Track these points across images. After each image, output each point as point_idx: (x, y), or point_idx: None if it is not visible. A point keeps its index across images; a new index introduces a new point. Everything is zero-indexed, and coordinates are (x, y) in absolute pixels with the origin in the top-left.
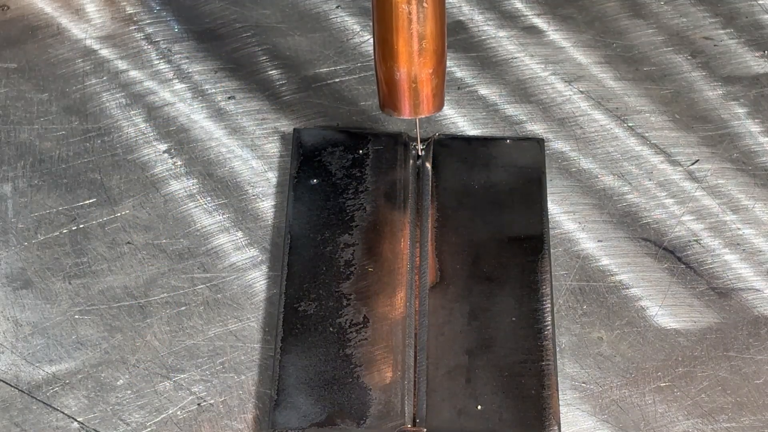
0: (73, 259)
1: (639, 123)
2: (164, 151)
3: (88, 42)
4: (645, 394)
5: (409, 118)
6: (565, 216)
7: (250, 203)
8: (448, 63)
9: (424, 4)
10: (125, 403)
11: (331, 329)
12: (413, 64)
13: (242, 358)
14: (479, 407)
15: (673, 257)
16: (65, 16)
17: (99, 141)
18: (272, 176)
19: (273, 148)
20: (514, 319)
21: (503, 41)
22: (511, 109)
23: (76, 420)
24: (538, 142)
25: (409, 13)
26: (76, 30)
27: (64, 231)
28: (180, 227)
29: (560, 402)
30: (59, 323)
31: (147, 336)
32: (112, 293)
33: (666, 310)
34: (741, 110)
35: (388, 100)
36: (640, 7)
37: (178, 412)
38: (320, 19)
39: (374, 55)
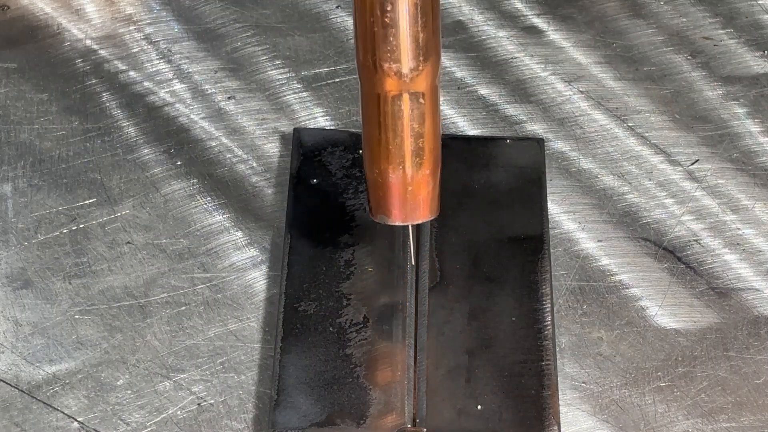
0: (73, 259)
1: (639, 123)
2: (164, 151)
3: (88, 42)
4: (645, 394)
5: (403, 224)
6: (565, 216)
7: (250, 203)
8: (448, 63)
9: (420, 100)
10: (125, 403)
11: (331, 329)
12: (409, 165)
13: (242, 358)
14: (479, 407)
15: (673, 257)
16: (65, 16)
17: (99, 141)
18: (272, 176)
19: (273, 148)
20: (514, 319)
21: (503, 41)
22: (511, 109)
23: (76, 420)
24: (538, 142)
25: (404, 110)
26: (76, 30)
27: (64, 231)
28: (180, 227)
29: (560, 402)
30: (59, 323)
31: (147, 336)
32: (112, 293)
33: (666, 310)
34: (741, 110)
35: (381, 205)
36: (640, 7)
37: (178, 412)
38: (320, 19)
39: (363, 157)
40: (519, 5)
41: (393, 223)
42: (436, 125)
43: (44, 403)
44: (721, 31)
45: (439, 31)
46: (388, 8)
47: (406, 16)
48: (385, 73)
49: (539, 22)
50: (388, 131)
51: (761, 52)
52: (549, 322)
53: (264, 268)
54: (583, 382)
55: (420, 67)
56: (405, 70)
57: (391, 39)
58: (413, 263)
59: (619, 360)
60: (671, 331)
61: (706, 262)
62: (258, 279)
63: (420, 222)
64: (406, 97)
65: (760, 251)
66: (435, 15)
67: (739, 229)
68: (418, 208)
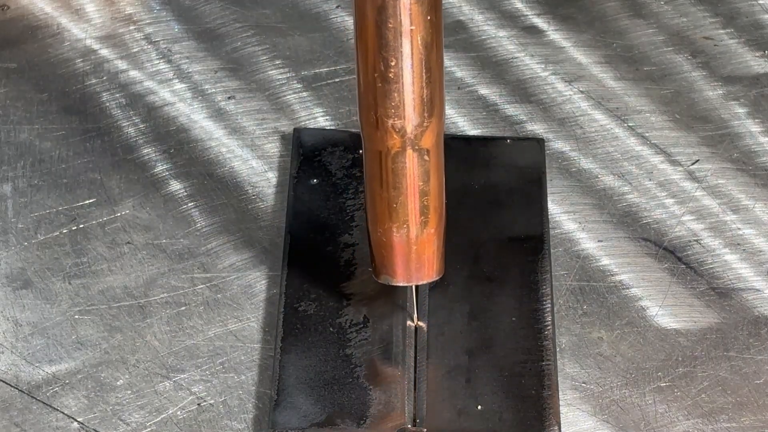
0: (73, 259)
1: (639, 123)
2: (164, 151)
3: (88, 42)
4: (645, 394)
5: (408, 284)
6: (565, 216)
7: (250, 203)
8: (448, 63)
9: (425, 157)
10: (125, 403)
11: (331, 329)
12: (413, 224)
13: (242, 358)
14: (479, 407)
15: (673, 257)
16: (65, 16)
17: (99, 141)
18: (272, 176)
19: (273, 148)
20: (514, 319)
21: (503, 41)
22: (511, 109)
23: (76, 420)
24: (538, 142)
25: (408, 168)
26: (76, 30)
27: (64, 231)
28: (180, 227)
29: (560, 402)
30: (59, 323)
31: (147, 336)
32: (112, 293)
33: (666, 310)
34: (741, 110)
35: (385, 265)
36: (640, 7)
37: (178, 412)
38: (320, 19)
39: (366, 215)
40: (519, 5)
41: (397, 284)
42: (441, 182)
43: (44, 403)
44: (722, 31)
45: (443, 86)
46: (392, 63)
47: (410, 71)
48: (388, 129)
49: (539, 22)
50: (391, 189)
51: (761, 52)
52: (549, 322)
53: (264, 268)
54: (584, 382)
55: (425, 124)
56: (409, 126)
57: (395, 95)
58: (416, 322)
59: (619, 360)
60: (671, 331)
61: (707, 262)
62: (258, 279)
63: (425, 282)
64: (410, 154)
65: (761, 251)
66: (440, 69)
67: (739, 229)
68: (423, 268)
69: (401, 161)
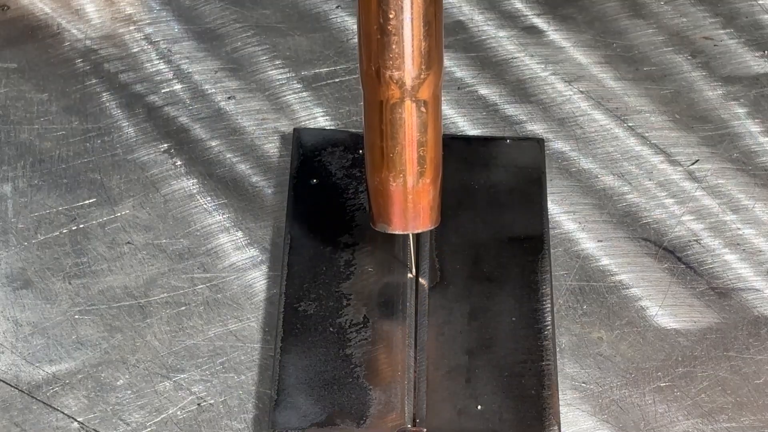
0: (73, 259)
1: (639, 123)
2: (164, 151)
3: (88, 42)
4: (645, 394)
5: (404, 233)
6: (565, 216)
7: (250, 203)
8: (448, 63)
9: (423, 108)
10: (125, 403)
11: (331, 329)
12: (410, 174)
13: (242, 358)
14: (479, 407)
15: (673, 257)
16: (65, 16)
17: (99, 141)
18: (272, 176)
19: (273, 148)
20: (514, 319)
21: (503, 41)
22: (511, 109)
23: (76, 420)
24: (538, 142)
25: (406, 119)
26: (76, 30)
27: (64, 231)
28: (180, 227)
29: (560, 402)
30: (59, 323)
31: (147, 336)
32: (112, 293)
33: (666, 310)
34: (741, 110)
35: (381, 214)
36: (640, 7)
37: (178, 412)
38: (320, 19)
39: (365, 165)
40: (519, 5)
41: (393, 232)
42: (438, 134)
43: (44, 403)
44: (721, 31)
45: (442, 39)
46: (391, 16)
47: (409, 24)
48: (387, 81)
49: (539, 22)
50: (389, 139)
51: (761, 52)
52: (549, 322)
53: (264, 268)
54: (583, 382)
55: (422, 76)
56: (407, 78)
57: (394, 47)
58: (414, 273)
59: (619, 360)
60: (671, 331)
61: (707, 262)
62: (258, 279)
63: (420, 231)
64: (408, 105)
65: (760, 251)
66: (438, 23)
67: (739, 229)
68: (419, 217)
69: (399, 112)
